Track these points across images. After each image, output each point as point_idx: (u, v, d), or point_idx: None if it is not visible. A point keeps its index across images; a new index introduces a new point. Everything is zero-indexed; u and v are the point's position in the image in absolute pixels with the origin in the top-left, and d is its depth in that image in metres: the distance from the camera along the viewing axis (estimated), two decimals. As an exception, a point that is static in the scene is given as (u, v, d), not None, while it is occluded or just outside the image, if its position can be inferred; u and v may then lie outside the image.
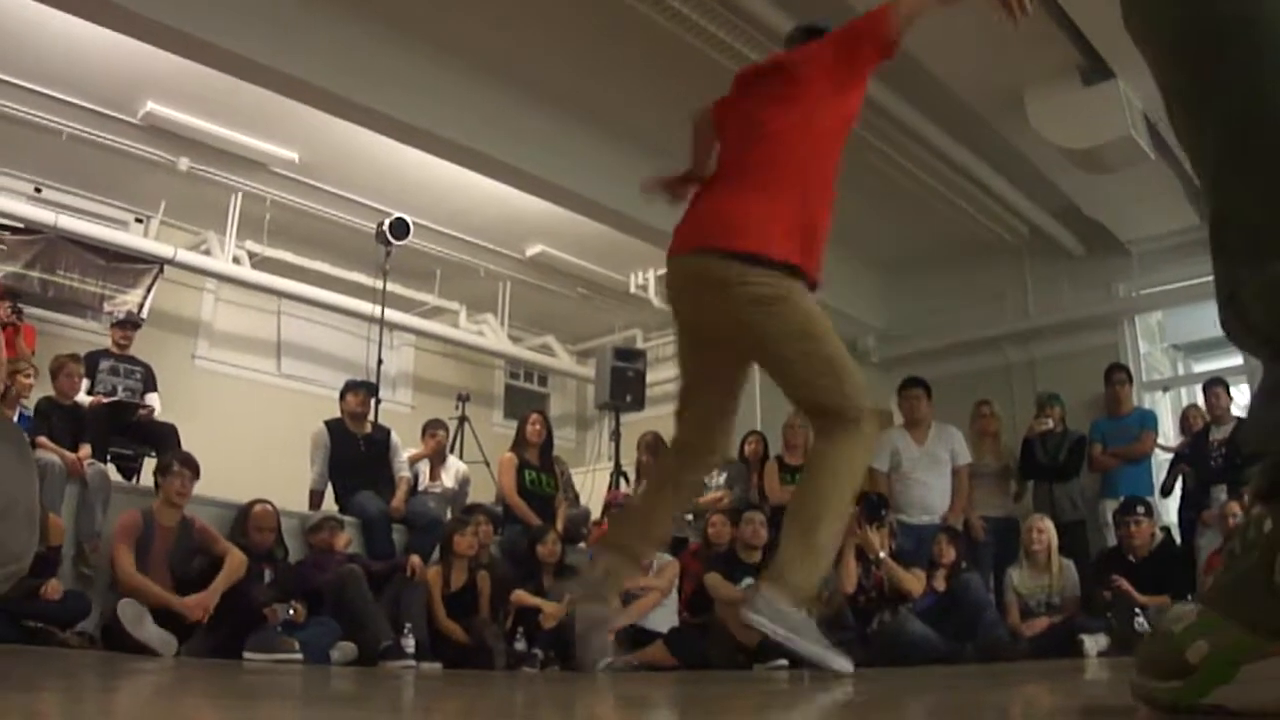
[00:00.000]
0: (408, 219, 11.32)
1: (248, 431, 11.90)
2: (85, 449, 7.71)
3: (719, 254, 4.11)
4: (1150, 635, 1.53)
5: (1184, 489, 9.92)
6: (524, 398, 16.45)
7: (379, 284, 11.33)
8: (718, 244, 4.14)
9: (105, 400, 8.80)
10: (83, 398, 8.48)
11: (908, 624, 7.80)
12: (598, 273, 13.95)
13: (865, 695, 3.35)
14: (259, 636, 6.73)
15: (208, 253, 11.97)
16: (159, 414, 9.20)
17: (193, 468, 7.43)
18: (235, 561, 7.17)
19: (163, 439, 8.94)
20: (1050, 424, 10.17)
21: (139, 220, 12.29)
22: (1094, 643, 7.59)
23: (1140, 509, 8.66)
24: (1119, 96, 8.49)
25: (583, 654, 4.33)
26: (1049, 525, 8.74)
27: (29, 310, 10.15)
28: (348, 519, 8.65)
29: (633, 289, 14.20)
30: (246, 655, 6.54)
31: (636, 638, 7.94)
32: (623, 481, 11.57)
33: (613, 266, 13.83)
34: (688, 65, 8.77)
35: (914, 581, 8.23)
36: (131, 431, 9.02)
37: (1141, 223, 11.52)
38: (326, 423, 9.39)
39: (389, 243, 11.17)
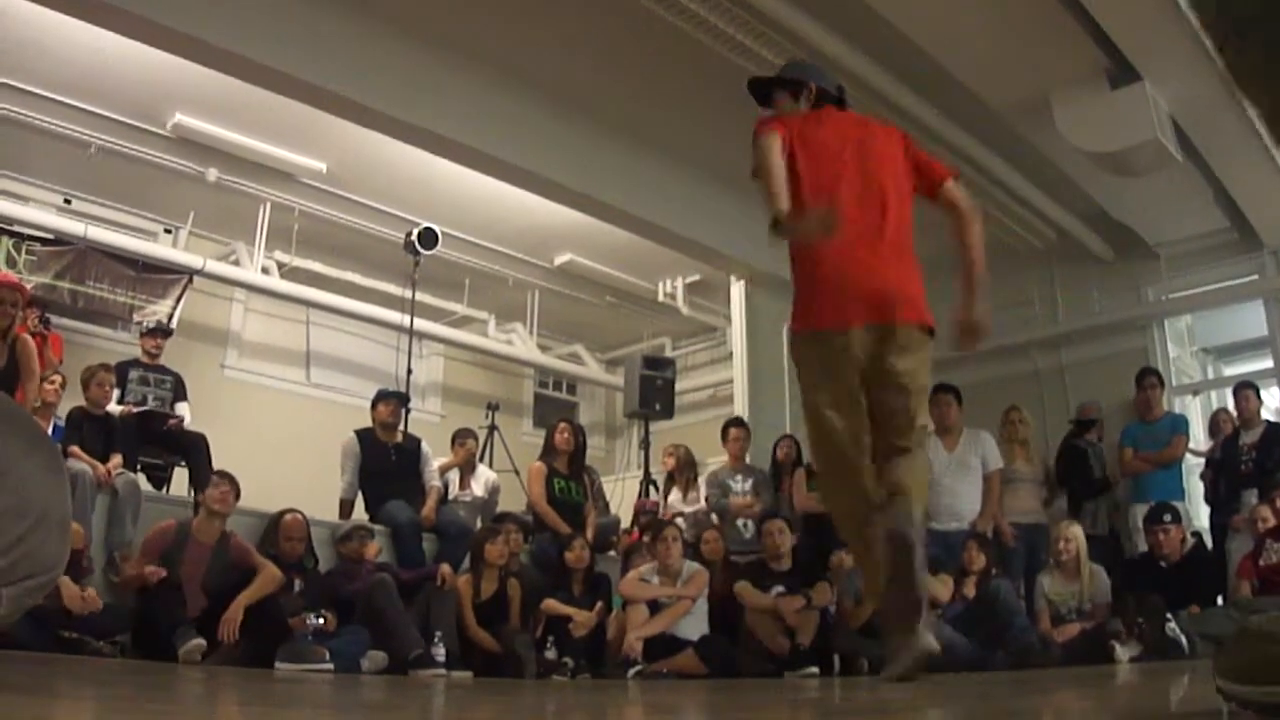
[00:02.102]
0: (436, 229, 11.35)
1: (277, 441, 11.94)
2: (116, 459, 7.74)
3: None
4: (1238, 642, 1.51)
5: (1214, 494, 9.87)
6: (553, 406, 16.48)
7: (408, 294, 11.36)
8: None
9: (135, 410, 8.84)
10: (113, 407, 8.51)
11: (936, 629, 7.77)
12: (626, 281, 13.95)
13: (896, 702, 3.34)
14: (290, 646, 6.74)
15: (236, 263, 12.03)
16: (189, 424, 9.22)
17: (231, 481, 7.45)
18: (268, 577, 7.17)
19: (193, 449, 8.96)
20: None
21: (168, 231, 12.37)
22: (1125, 649, 7.55)
23: (1168, 516, 8.61)
24: (1146, 99, 8.45)
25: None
26: (1078, 532, 8.70)
27: (59, 321, 10.23)
28: (378, 528, 8.65)
29: (661, 297, 14.21)
30: (278, 665, 6.55)
31: (667, 646, 7.94)
32: (652, 490, 11.55)
33: (641, 275, 13.84)
34: (714, 74, 8.78)
35: (940, 587, 8.20)
36: (162, 441, 9.04)
37: (1170, 226, 11.46)
38: (357, 432, 9.41)
39: (417, 252, 11.20)
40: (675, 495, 10.40)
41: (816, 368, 4.56)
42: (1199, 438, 11.20)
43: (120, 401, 8.81)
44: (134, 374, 9.23)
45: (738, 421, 10.66)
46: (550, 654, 7.95)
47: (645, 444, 12.54)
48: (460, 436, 10.20)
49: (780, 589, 8.36)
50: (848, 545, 4.40)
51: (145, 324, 10.24)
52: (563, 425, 10.11)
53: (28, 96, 9.81)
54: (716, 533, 9.26)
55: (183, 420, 9.18)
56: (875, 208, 4.69)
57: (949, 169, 5.03)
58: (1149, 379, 10.74)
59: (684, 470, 10.46)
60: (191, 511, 7.41)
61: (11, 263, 10.51)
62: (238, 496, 7.49)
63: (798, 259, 4.71)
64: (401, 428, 9.65)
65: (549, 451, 9.93)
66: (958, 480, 9.11)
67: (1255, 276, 11.48)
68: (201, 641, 6.46)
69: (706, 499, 10.15)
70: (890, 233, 4.73)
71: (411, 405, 10.27)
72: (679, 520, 9.82)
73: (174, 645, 6.43)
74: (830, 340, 4.53)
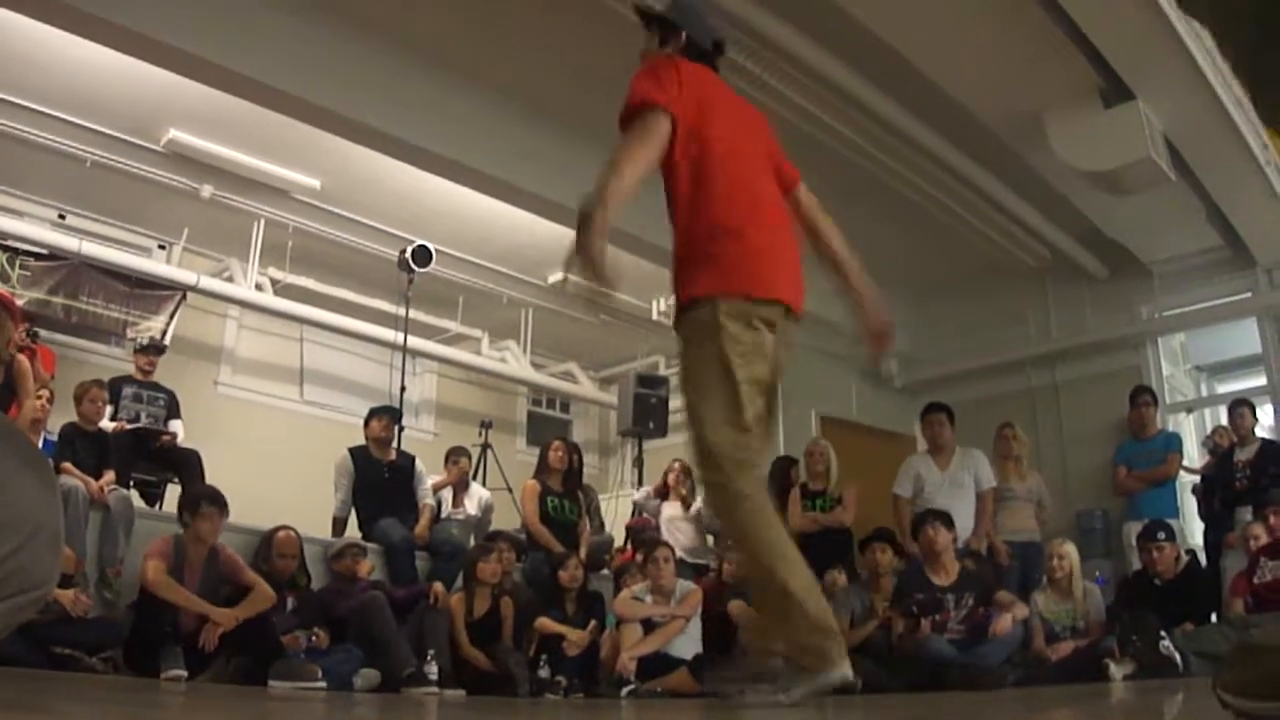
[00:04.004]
0: (430, 246, 11.36)
1: (270, 458, 11.92)
2: (109, 475, 7.72)
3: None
4: (1241, 656, 1.50)
5: (1209, 511, 9.88)
6: (546, 424, 16.46)
7: (401, 311, 11.37)
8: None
9: (128, 426, 8.82)
10: (106, 424, 8.49)
11: (929, 643, 7.75)
12: (620, 299, 13.94)
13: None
14: (282, 664, 6.72)
15: (230, 279, 12.01)
16: (182, 440, 9.21)
17: (220, 505, 7.38)
18: (261, 592, 7.14)
19: (186, 465, 8.95)
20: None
21: (162, 247, 12.36)
22: (1119, 667, 7.54)
23: (1161, 534, 8.60)
24: (1139, 118, 8.48)
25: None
26: (1071, 550, 8.69)
27: (52, 336, 10.21)
28: (371, 546, 8.64)
29: (655, 315, 14.20)
30: (270, 683, 6.53)
31: (660, 665, 7.92)
32: (635, 491, 11.55)
33: (634, 293, 13.83)
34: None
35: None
36: (155, 457, 9.03)
37: (1163, 244, 11.49)
38: (350, 450, 9.40)
39: (411, 270, 11.21)
40: (674, 509, 10.36)
41: (747, 342, 3.88)
42: (1192, 455, 11.22)
43: (113, 418, 8.79)
44: (127, 390, 9.21)
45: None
46: (543, 673, 7.94)
47: (639, 462, 12.54)
48: (453, 454, 10.19)
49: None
50: (770, 581, 3.70)
51: (138, 341, 10.22)
52: (557, 444, 10.10)
53: (23, 111, 9.81)
54: None
55: (175, 437, 9.17)
56: (778, 199, 4.34)
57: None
58: (1143, 397, 10.76)
59: (683, 482, 10.42)
60: (180, 527, 7.36)
61: (5, 278, 10.49)
62: (226, 513, 7.44)
63: (711, 228, 4.11)
64: (395, 445, 9.63)
65: (543, 470, 9.92)
66: (951, 499, 9.10)
67: (1248, 294, 11.51)
68: (183, 672, 6.42)
69: (700, 518, 10.14)
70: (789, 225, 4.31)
71: (405, 423, 10.25)
72: (681, 523, 9.88)
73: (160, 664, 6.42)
74: (765, 311, 3.99)
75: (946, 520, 8.43)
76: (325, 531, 9.01)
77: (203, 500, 7.29)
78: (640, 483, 12.02)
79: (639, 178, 4.04)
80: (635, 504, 11.35)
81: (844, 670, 3.67)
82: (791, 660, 3.71)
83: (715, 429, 3.82)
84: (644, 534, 9.98)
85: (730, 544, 3.91)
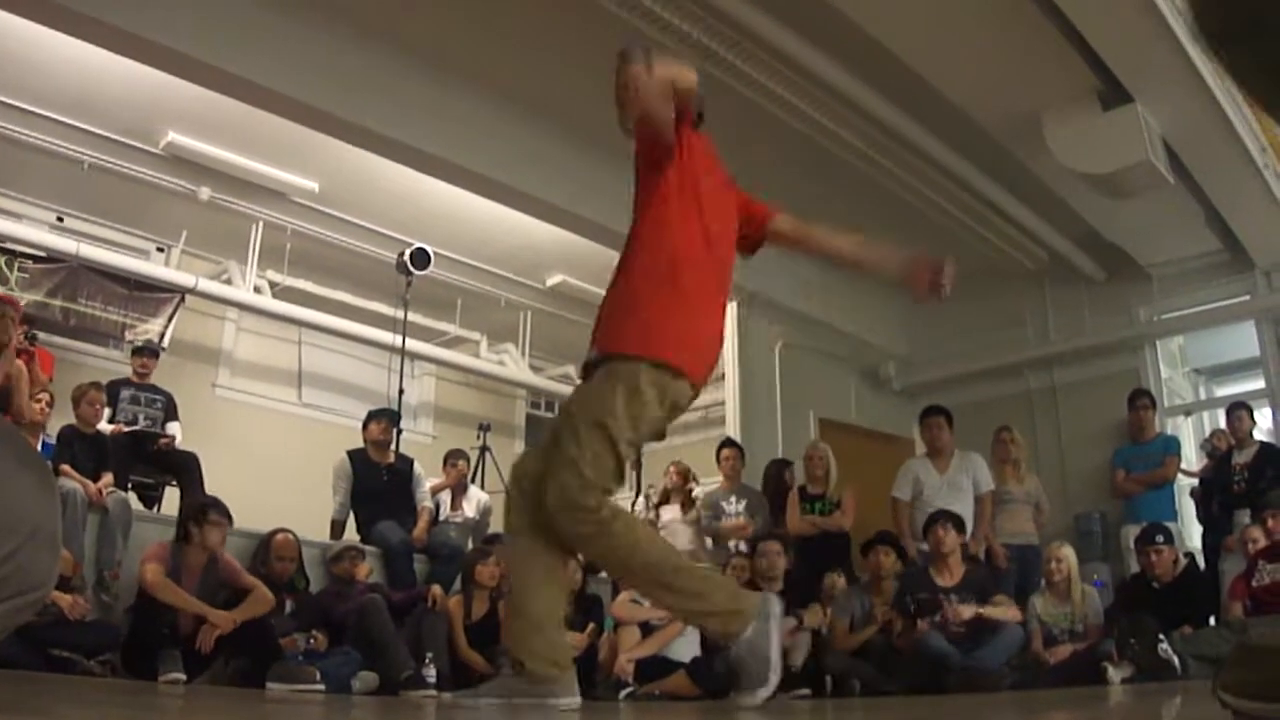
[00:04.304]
0: (428, 249, 11.36)
1: (269, 460, 11.92)
2: (107, 477, 7.71)
3: None
4: (1242, 657, 1.49)
5: (1207, 514, 9.87)
6: (545, 427, 16.44)
7: (400, 314, 11.36)
8: None
9: (126, 429, 8.82)
10: (104, 426, 8.48)
11: (929, 640, 7.74)
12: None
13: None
14: (281, 666, 6.71)
15: (229, 282, 12.01)
16: (180, 443, 9.21)
17: (226, 515, 7.37)
18: (260, 596, 7.13)
19: (184, 468, 8.95)
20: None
21: (160, 249, 12.35)
22: (1117, 670, 7.53)
23: (1160, 536, 8.59)
24: (1138, 121, 8.48)
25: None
26: (1069, 554, 8.68)
27: (50, 338, 10.20)
28: (369, 549, 8.64)
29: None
30: (269, 685, 6.52)
31: (659, 667, 7.92)
32: (640, 501, 11.54)
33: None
34: (709, 95, 8.79)
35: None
36: (153, 460, 9.03)
37: (1162, 247, 11.48)
38: (349, 453, 9.40)
39: (410, 273, 11.20)
40: (673, 512, 10.36)
41: (654, 410, 3.87)
42: (1190, 458, 11.22)
43: (111, 421, 8.79)
44: (125, 393, 9.21)
45: (729, 442, 10.63)
46: (542, 675, 7.92)
47: (637, 465, 12.52)
48: (452, 457, 10.18)
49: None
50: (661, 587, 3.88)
51: (134, 343, 10.22)
52: (556, 448, 10.07)
53: (21, 113, 9.81)
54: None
55: (174, 440, 9.16)
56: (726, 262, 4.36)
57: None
58: (1141, 400, 10.76)
59: (682, 487, 10.42)
60: (177, 534, 7.33)
61: (3, 280, 10.50)
62: (231, 522, 7.44)
63: (671, 274, 4.11)
64: (393, 448, 9.63)
65: (542, 473, 9.89)
66: (950, 502, 9.09)
67: (1247, 297, 11.51)
68: (181, 675, 6.41)
69: (699, 520, 10.14)
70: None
71: (403, 426, 10.24)
72: (679, 526, 9.90)
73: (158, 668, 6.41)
74: (683, 393, 3.96)
75: (958, 523, 8.46)
76: (324, 534, 9.00)
77: (210, 509, 7.29)
78: (638, 486, 12.00)
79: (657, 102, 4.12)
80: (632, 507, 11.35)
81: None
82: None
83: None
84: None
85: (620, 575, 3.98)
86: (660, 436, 4.07)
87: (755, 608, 3.76)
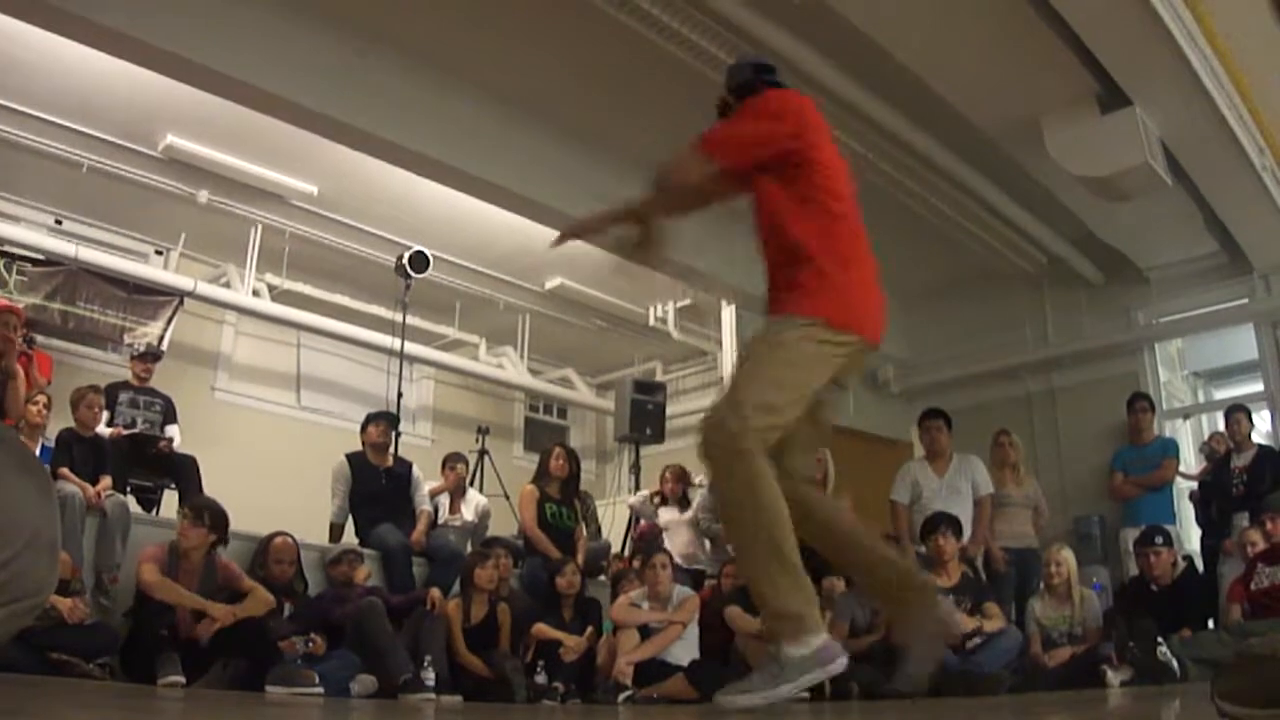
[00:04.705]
0: (427, 252, 11.35)
1: (267, 464, 11.91)
2: (105, 480, 7.70)
3: None
4: (1240, 664, 1.49)
5: (1206, 517, 9.87)
6: (544, 430, 16.46)
7: (398, 317, 11.36)
8: None
9: (125, 432, 8.82)
10: (103, 429, 8.47)
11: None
12: (617, 305, 13.95)
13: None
14: (279, 669, 6.71)
15: (227, 285, 12.01)
16: (179, 446, 9.21)
17: (200, 516, 7.32)
18: (259, 597, 7.13)
19: (183, 471, 8.94)
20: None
21: (159, 252, 12.35)
22: (1116, 673, 7.54)
23: (1159, 539, 8.60)
24: (1136, 124, 8.48)
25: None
26: (1069, 556, 8.69)
27: (49, 341, 10.19)
28: (368, 552, 8.63)
29: (652, 321, 14.20)
30: (267, 688, 6.52)
31: (657, 671, 7.92)
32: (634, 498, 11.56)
33: (631, 299, 13.84)
34: (706, 99, 8.78)
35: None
36: (151, 463, 9.02)
37: (1160, 250, 11.49)
38: (348, 456, 9.38)
39: (408, 276, 11.19)
40: (671, 513, 10.36)
41: (818, 371, 3.97)
42: (1189, 461, 11.22)
43: (110, 424, 8.78)
44: (124, 396, 9.21)
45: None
46: (540, 679, 7.93)
47: (636, 468, 12.53)
48: (450, 460, 10.18)
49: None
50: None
51: (135, 347, 10.22)
52: (558, 451, 10.07)
53: (19, 116, 9.80)
54: None
55: (172, 442, 9.16)
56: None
57: None
58: (1140, 403, 10.77)
59: (677, 488, 10.42)
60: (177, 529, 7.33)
61: (2, 283, 10.49)
62: (216, 523, 7.39)
63: (828, 241, 4.20)
64: (392, 451, 9.62)
65: (542, 475, 9.89)
66: (949, 505, 9.08)
67: (1245, 300, 11.51)
68: (180, 678, 6.41)
69: (698, 523, 10.13)
70: None
71: (402, 429, 10.23)
72: (678, 528, 9.91)
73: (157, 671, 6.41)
74: (853, 352, 4.09)
75: (956, 527, 8.48)
76: (322, 537, 9.00)
77: (205, 510, 7.29)
78: (637, 489, 12.01)
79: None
80: (631, 508, 11.34)
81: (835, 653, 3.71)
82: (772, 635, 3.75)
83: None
84: (654, 544, 9.93)
85: (724, 510, 3.86)
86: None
87: (814, 632, 3.67)
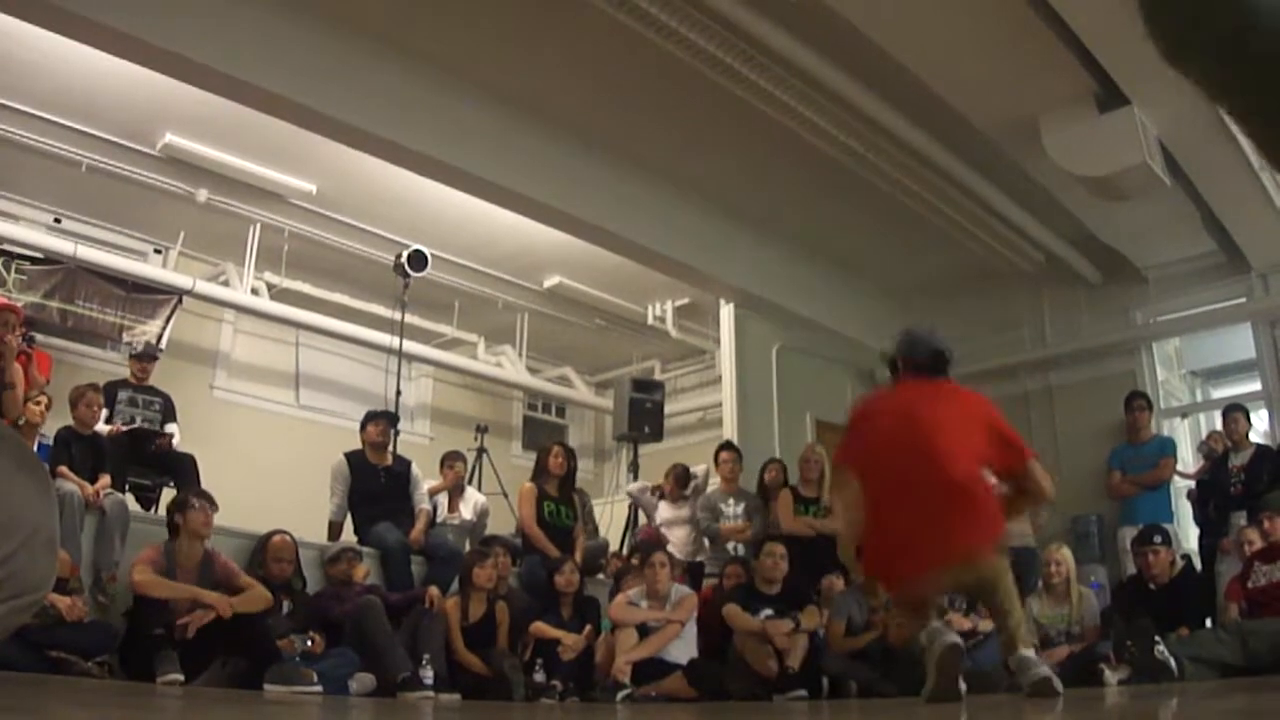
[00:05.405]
0: (426, 251, 11.34)
1: (266, 462, 11.91)
2: (104, 479, 7.69)
3: None
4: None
5: (1204, 516, 9.88)
6: (542, 429, 16.46)
7: (397, 315, 11.35)
8: None
9: (124, 428, 8.82)
10: (101, 427, 8.47)
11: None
12: (615, 304, 13.95)
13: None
14: (278, 668, 6.71)
15: (226, 284, 12.01)
16: (178, 444, 9.20)
17: (209, 500, 7.38)
18: (257, 594, 7.14)
19: (181, 469, 8.94)
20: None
21: (158, 251, 12.34)
22: (1114, 672, 7.54)
23: (1157, 537, 8.61)
24: (1134, 123, 8.48)
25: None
26: (1067, 555, 8.70)
27: (48, 340, 10.19)
28: (366, 550, 8.63)
29: (650, 320, 14.21)
30: (266, 687, 6.53)
31: (656, 669, 7.93)
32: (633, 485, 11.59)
33: (630, 298, 13.84)
34: (704, 97, 8.81)
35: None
36: (150, 461, 9.02)
37: (1158, 249, 11.49)
38: (347, 454, 9.38)
39: (407, 274, 11.18)
40: (670, 510, 10.38)
41: None
42: (1187, 460, 11.23)
43: (108, 422, 8.77)
44: (122, 394, 9.20)
45: (728, 445, 10.66)
46: (539, 677, 7.94)
47: (634, 467, 12.54)
48: (449, 459, 10.18)
49: (769, 612, 8.35)
50: None
51: (134, 346, 10.21)
52: (556, 449, 10.07)
53: (18, 115, 9.79)
54: None
55: (172, 439, 9.16)
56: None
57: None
58: (1137, 402, 10.78)
59: (676, 491, 10.45)
60: (168, 533, 7.33)
61: (1, 282, 10.49)
62: (215, 508, 7.42)
63: None
64: (391, 450, 9.62)
65: (540, 474, 9.89)
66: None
67: (1243, 299, 11.52)
68: (179, 676, 6.41)
69: (698, 522, 10.15)
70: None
71: (400, 427, 10.23)
72: (677, 527, 9.93)
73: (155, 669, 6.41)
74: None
75: None
76: (321, 536, 9.00)
77: (191, 496, 7.31)
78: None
79: None
80: (630, 494, 11.36)
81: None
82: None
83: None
84: (657, 545, 9.93)
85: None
86: None
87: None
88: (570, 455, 10.14)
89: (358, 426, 9.63)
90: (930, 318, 13.09)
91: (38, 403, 7.90)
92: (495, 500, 11.10)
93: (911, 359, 5.78)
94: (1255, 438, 10.09)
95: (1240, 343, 11.79)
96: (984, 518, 5.11)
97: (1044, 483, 5.41)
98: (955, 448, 5.10)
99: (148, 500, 9.17)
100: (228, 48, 7.79)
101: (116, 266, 11.28)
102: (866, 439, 5.37)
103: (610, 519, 11.98)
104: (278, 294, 12.37)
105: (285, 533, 7.90)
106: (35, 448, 7.61)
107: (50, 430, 8.21)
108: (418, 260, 11.27)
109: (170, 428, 9.30)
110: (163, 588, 6.80)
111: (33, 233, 10.94)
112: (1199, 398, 13.00)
